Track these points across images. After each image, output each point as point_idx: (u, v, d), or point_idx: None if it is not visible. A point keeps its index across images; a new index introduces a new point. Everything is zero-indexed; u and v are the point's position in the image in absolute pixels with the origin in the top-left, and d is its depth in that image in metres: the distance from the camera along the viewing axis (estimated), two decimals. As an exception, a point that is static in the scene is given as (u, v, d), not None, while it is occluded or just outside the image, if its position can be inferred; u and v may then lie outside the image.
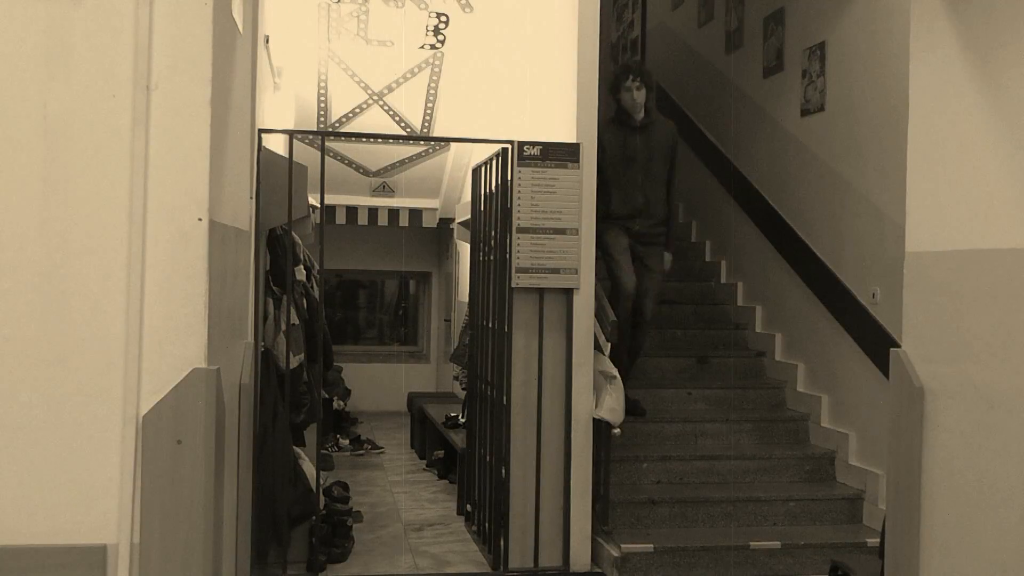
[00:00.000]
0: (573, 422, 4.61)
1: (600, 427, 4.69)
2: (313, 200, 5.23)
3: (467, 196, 6.41)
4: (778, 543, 4.70)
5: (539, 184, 4.56)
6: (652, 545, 4.57)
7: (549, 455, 4.61)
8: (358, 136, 7.58)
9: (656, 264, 5.45)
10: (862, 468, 5.19)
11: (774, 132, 6.32)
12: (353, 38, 6.89)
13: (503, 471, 4.64)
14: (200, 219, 2.48)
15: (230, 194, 3.06)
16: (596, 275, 4.74)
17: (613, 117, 5.40)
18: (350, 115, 7.49)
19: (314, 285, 5.14)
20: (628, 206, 5.35)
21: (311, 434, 5.05)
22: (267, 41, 4.78)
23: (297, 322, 4.63)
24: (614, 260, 5.33)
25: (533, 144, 4.57)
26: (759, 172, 6.57)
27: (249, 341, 3.85)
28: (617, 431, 4.69)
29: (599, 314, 4.76)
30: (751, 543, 4.68)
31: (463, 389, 6.57)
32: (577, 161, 4.59)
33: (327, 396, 7.64)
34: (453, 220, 8.03)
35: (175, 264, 2.46)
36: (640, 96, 5.29)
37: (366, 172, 8.31)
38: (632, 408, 5.25)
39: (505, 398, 4.63)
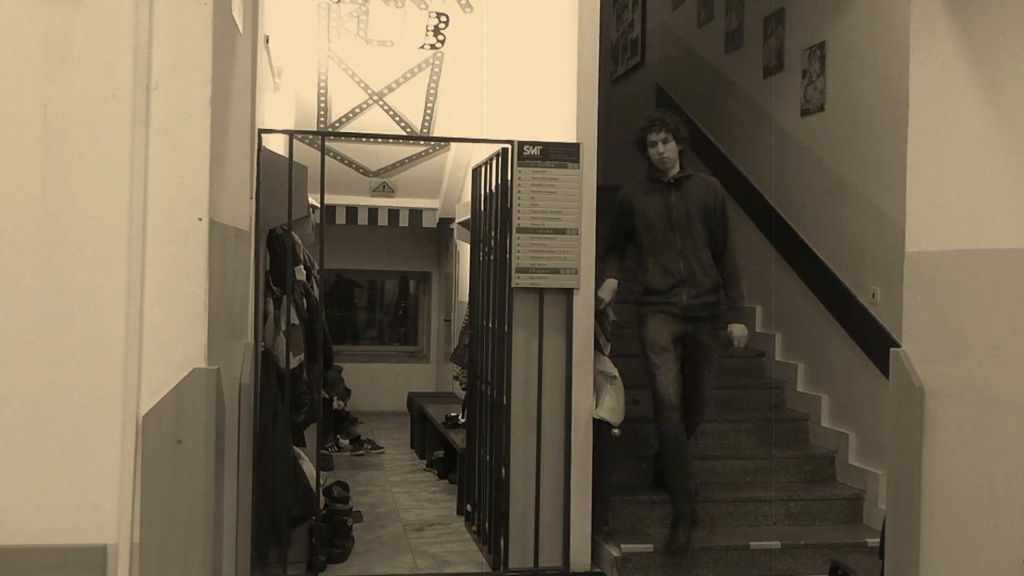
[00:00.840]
0: (573, 422, 4.61)
1: (600, 427, 4.69)
2: (313, 200, 5.23)
3: (467, 196, 6.41)
4: (778, 543, 4.70)
5: (539, 184, 4.56)
6: (652, 545, 4.57)
7: (549, 455, 4.61)
8: (358, 136, 7.58)
9: (710, 339, 4.73)
10: (862, 468, 5.19)
11: (774, 132, 6.32)
12: (353, 38, 6.89)
13: (503, 471, 4.64)
14: (200, 219, 2.49)
15: (230, 194, 3.06)
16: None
17: (645, 176, 4.81)
18: (350, 115, 7.49)
19: (314, 285, 5.14)
20: (669, 277, 4.66)
21: (311, 434, 5.05)
22: (267, 41, 4.78)
23: (297, 322, 4.63)
24: (653, 363, 4.65)
25: (533, 144, 4.58)
26: (759, 172, 6.57)
27: (249, 341, 3.85)
28: (617, 431, 4.69)
29: (599, 314, 4.76)
30: (751, 543, 4.68)
31: (463, 389, 6.57)
32: (577, 161, 4.59)
33: (327, 396, 7.65)
34: (453, 220, 8.03)
35: (175, 264, 2.47)
36: (668, 150, 4.66)
37: (366, 172, 8.31)
38: (690, 516, 4.57)
39: (505, 398, 4.63)
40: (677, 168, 4.74)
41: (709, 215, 4.71)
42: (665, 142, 4.67)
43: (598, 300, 4.71)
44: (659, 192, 4.73)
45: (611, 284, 4.77)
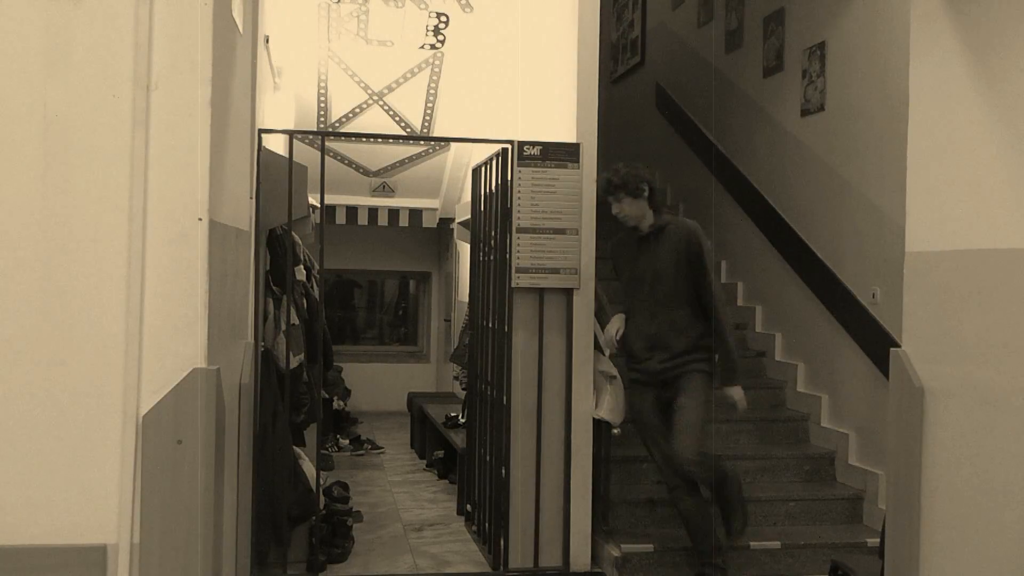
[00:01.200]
0: (573, 422, 4.61)
1: (600, 427, 4.69)
2: (313, 200, 5.23)
3: (467, 196, 6.41)
4: (778, 543, 4.70)
5: (539, 184, 4.56)
6: (652, 545, 4.57)
7: (549, 455, 4.61)
8: (358, 136, 7.58)
9: (693, 395, 4.25)
10: (862, 468, 5.19)
11: (774, 132, 6.32)
12: (353, 38, 6.89)
13: (503, 471, 4.64)
14: (200, 219, 2.49)
15: (230, 194, 3.06)
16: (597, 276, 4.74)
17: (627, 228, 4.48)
18: (350, 115, 7.49)
19: (314, 285, 5.14)
20: (642, 339, 4.38)
21: (311, 434, 5.05)
22: (267, 41, 4.78)
23: (297, 322, 4.63)
24: (644, 440, 4.49)
25: (533, 144, 4.58)
26: (759, 172, 6.57)
27: (249, 341, 3.85)
28: (617, 431, 4.69)
29: (599, 314, 4.76)
30: (751, 543, 4.68)
31: (463, 389, 6.57)
32: (577, 161, 4.59)
33: (327, 396, 7.65)
34: (453, 220, 8.03)
35: (175, 264, 2.46)
36: (625, 207, 4.31)
37: (366, 172, 8.32)
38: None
39: (505, 398, 4.63)
40: (649, 220, 4.37)
41: (683, 267, 4.29)
42: (619, 200, 4.31)
43: (609, 339, 4.53)
44: (634, 248, 4.44)
45: (619, 318, 4.53)
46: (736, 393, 4.33)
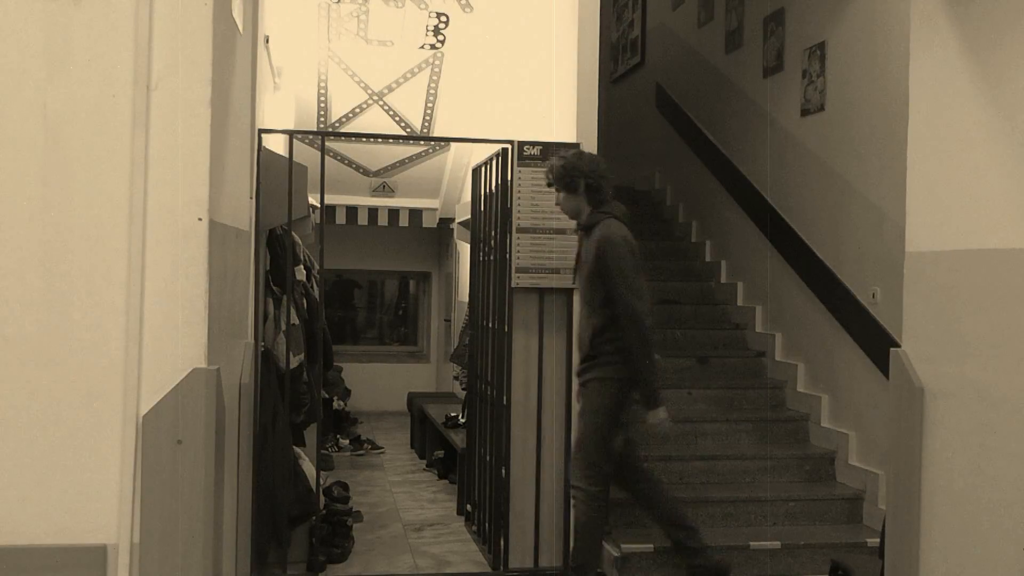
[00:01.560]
0: (573, 422, 4.61)
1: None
2: (313, 200, 5.23)
3: (467, 196, 6.42)
4: (778, 543, 4.70)
5: (539, 184, 4.56)
6: (652, 545, 4.57)
7: (549, 455, 4.61)
8: (358, 136, 7.59)
9: (584, 410, 4.14)
10: (862, 468, 5.19)
11: (774, 132, 6.32)
12: (353, 38, 6.89)
13: (503, 471, 4.64)
14: (200, 219, 2.48)
15: (230, 194, 3.06)
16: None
17: None
18: (350, 115, 7.50)
19: (314, 285, 5.14)
20: (578, 341, 4.33)
21: (311, 434, 5.05)
22: (267, 41, 4.78)
23: (297, 322, 4.63)
24: None
25: (533, 144, 4.58)
26: (759, 172, 6.57)
27: (249, 341, 3.85)
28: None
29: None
30: (751, 543, 4.68)
31: (463, 389, 6.57)
32: (577, 161, 4.58)
33: (327, 396, 7.65)
34: (453, 220, 8.04)
35: (175, 264, 2.46)
36: (561, 200, 4.17)
37: (366, 172, 8.32)
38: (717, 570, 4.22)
39: (505, 398, 4.63)
40: (584, 215, 4.14)
41: (593, 270, 4.03)
42: (558, 191, 4.18)
43: None
44: (580, 245, 4.28)
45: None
46: (657, 416, 4.03)
